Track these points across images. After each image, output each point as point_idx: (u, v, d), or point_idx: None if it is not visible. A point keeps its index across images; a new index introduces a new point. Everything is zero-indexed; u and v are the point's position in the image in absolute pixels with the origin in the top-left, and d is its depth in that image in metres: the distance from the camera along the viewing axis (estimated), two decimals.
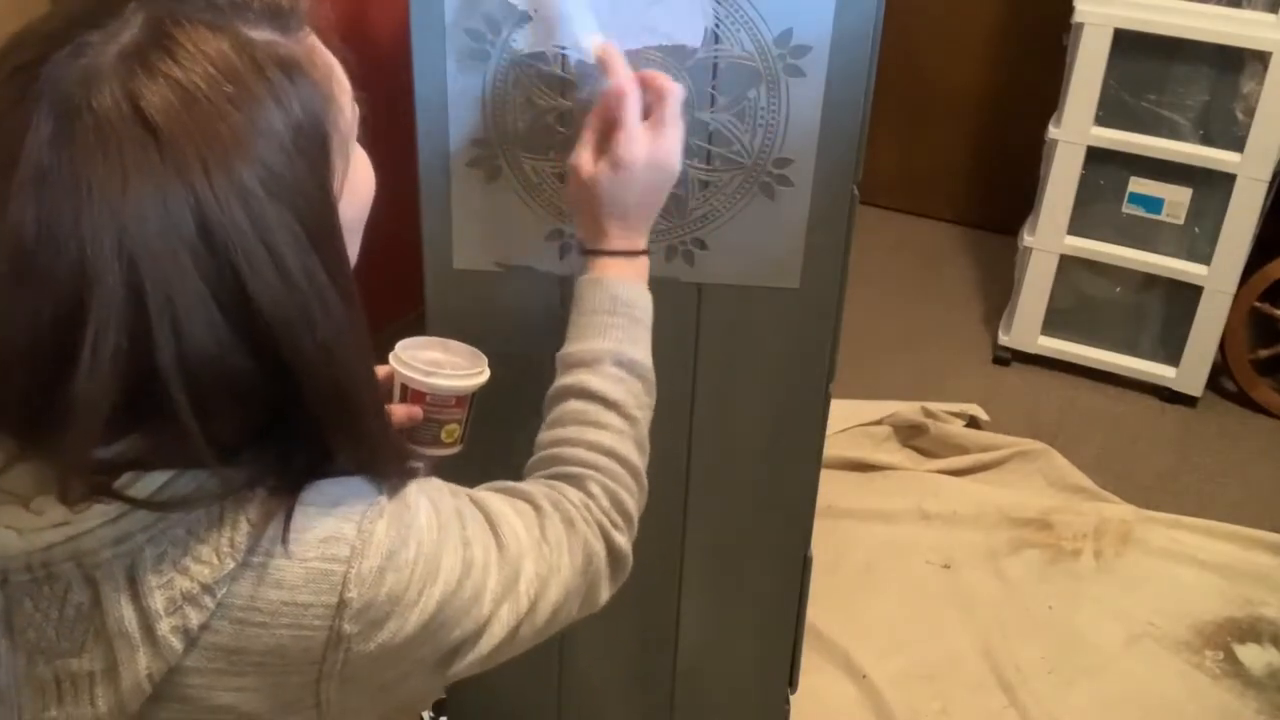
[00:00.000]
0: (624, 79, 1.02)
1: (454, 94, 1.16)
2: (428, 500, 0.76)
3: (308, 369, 0.65)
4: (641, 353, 1.02)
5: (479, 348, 1.10)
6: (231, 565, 0.68)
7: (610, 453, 0.96)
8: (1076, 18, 2.48)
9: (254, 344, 0.63)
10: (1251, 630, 2.16)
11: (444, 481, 0.82)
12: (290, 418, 0.67)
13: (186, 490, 0.67)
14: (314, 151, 0.66)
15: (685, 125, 1.06)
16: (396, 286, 1.48)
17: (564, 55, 1.13)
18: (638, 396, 1.00)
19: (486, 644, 0.81)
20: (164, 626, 0.67)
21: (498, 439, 1.10)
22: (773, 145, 1.17)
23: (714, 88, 1.15)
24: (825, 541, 1.84)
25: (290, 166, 0.64)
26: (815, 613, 1.64)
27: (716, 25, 1.12)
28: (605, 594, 0.95)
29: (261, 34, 0.65)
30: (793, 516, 1.42)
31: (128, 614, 0.67)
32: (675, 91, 1.03)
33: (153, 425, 0.64)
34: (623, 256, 1.04)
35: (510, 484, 0.92)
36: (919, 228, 3.41)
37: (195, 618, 0.67)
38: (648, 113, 1.03)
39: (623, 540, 0.95)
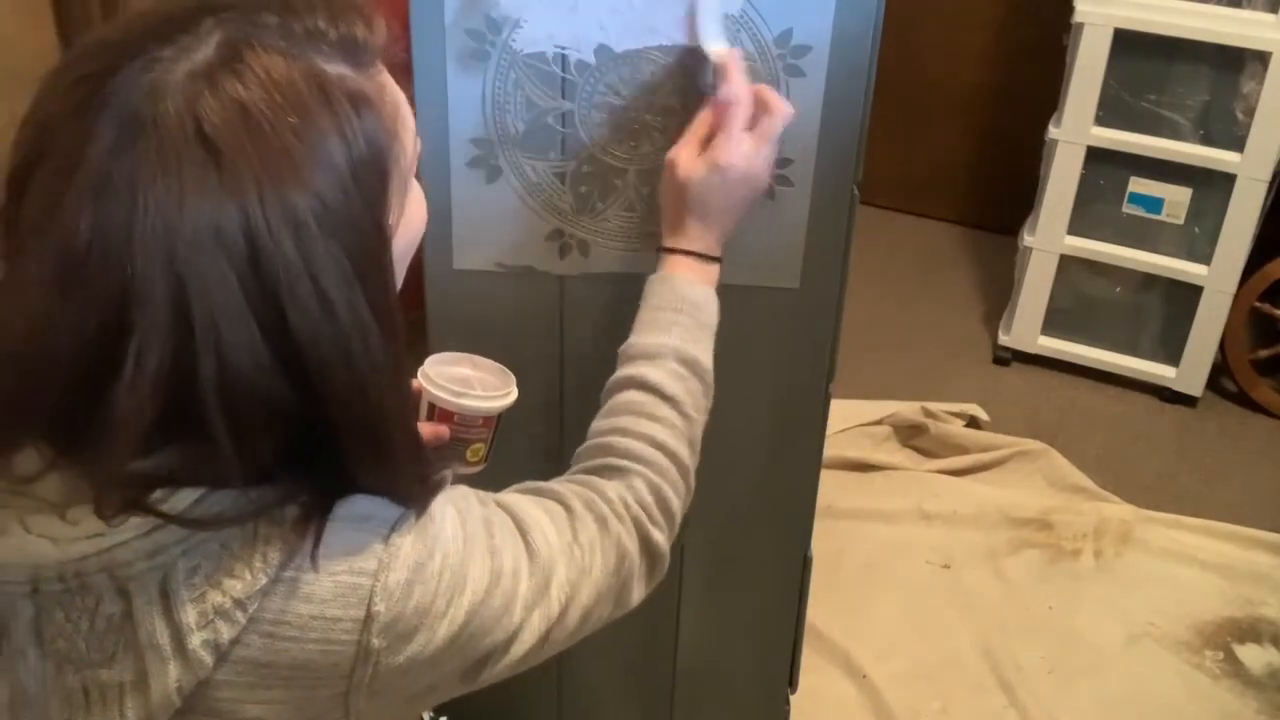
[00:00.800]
0: (739, 88, 1.04)
1: (454, 94, 1.16)
2: (455, 510, 0.76)
3: (340, 400, 0.65)
4: (704, 354, 1.02)
5: (478, 349, 1.10)
6: (264, 580, 0.67)
7: (662, 447, 0.96)
8: (1076, 18, 2.48)
9: (291, 370, 0.63)
10: (1251, 630, 2.16)
11: (472, 489, 0.81)
12: (322, 441, 0.67)
13: (220, 507, 0.67)
14: (373, 187, 0.66)
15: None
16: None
17: (564, 56, 1.13)
18: (695, 397, 1.00)
19: (517, 651, 0.80)
20: (195, 640, 0.67)
21: (498, 440, 1.10)
22: None
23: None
24: (825, 541, 1.83)
25: (346, 201, 0.64)
26: (815, 613, 1.65)
27: None
28: (639, 593, 0.94)
29: (335, 67, 0.65)
30: (793, 516, 1.42)
31: (159, 627, 0.67)
32: (785, 112, 1.05)
33: (188, 441, 0.64)
34: (695, 259, 1.05)
35: (540, 484, 0.91)
36: (919, 228, 3.41)
37: (226, 632, 0.67)
38: (752, 125, 1.04)
39: (660, 538, 0.94)
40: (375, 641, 0.70)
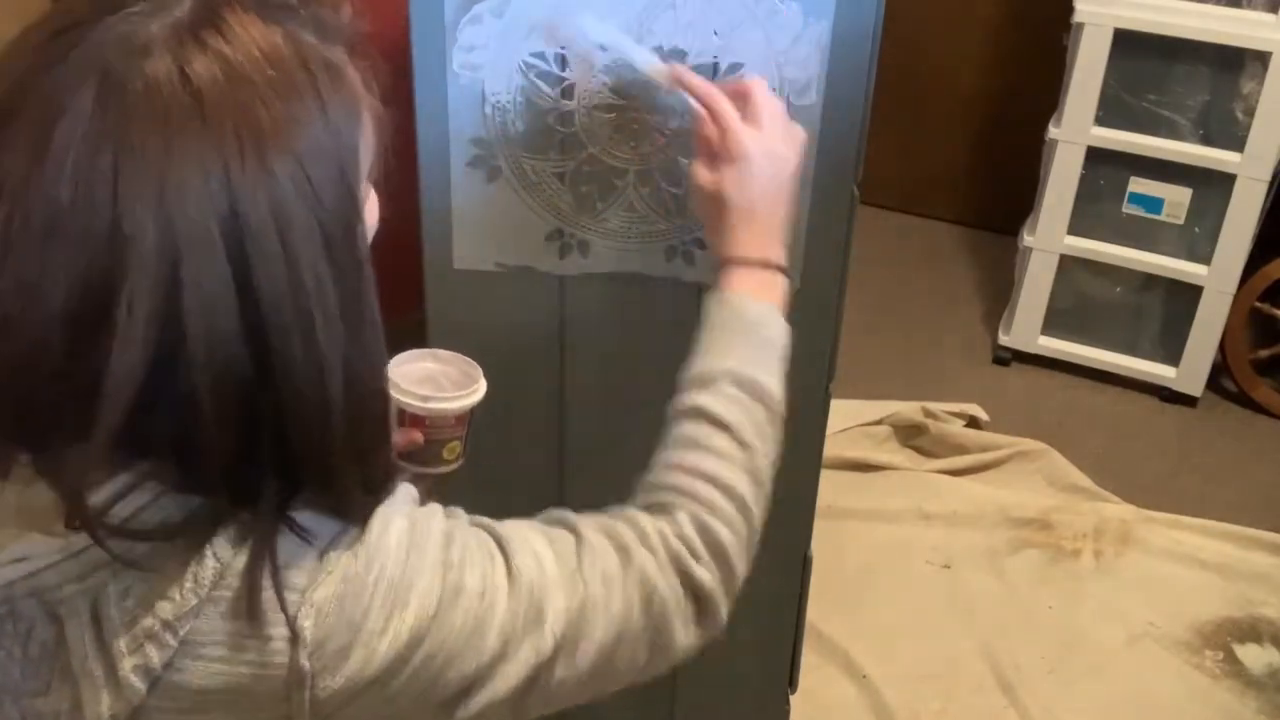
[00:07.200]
0: (705, 88, 1.01)
1: (454, 94, 1.16)
2: (406, 522, 0.72)
3: (293, 382, 0.63)
4: (766, 375, 0.93)
5: (478, 349, 1.09)
6: (194, 601, 0.65)
7: (713, 479, 0.86)
8: (1076, 18, 2.48)
9: (254, 344, 0.62)
10: (1251, 630, 2.16)
11: (441, 505, 0.77)
12: (269, 445, 0.64)
13: (164, 514, 0.65)
14: (345, 158, 0.66)
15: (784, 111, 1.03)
16: (396, 287, 1.47)
17: (564, 56, 1.13)
18: (758, 423, 0.91)
19: (502, 685, 0.74)
20: (126, 665, 0.65)
21: (499, 442, 1.10)
22: None
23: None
24: (825, 541, 1.83)
25: (321, 166, 0.63)
26: (815, 613, 1.64)
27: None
28: (684, 638, 0.84)
29: (307, 36, 0.66)
30: (793, 516, 1.42)
31: (91, 653, 0.65)
32: (755, 85, 1.01)
33: (165, 424, 0.62)
34: (755, 268, 0.98)
35: (559, 512, 0.84)
36: (919, 228, 3.40)
37: (157, 656, 0.65)
38: (743, 114, 1.00)
39: (705, 576, 0.83)
40: (305, 663, 0.66)
